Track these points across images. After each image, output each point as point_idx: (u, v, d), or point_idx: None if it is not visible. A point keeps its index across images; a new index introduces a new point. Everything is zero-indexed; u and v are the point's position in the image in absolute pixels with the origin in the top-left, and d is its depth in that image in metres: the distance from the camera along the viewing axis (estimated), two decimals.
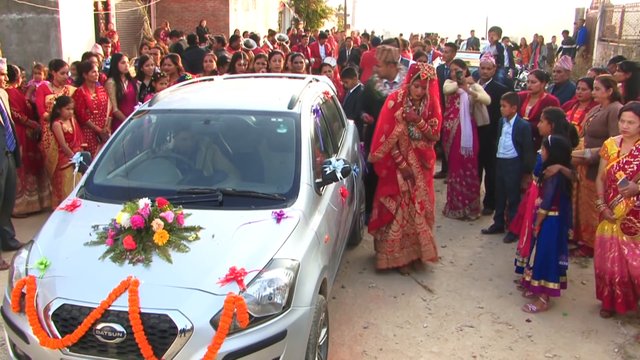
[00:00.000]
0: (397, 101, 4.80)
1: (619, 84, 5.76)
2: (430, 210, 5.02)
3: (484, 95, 6.15)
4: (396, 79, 5.81)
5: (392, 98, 4.85)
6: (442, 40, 22.83)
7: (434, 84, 4.77)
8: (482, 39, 20.69)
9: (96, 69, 6.49)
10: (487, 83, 6.40)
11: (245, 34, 14.92)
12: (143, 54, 8.67)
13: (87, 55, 7.86)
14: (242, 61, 7.10)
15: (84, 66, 6.57)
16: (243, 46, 10.70)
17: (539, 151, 4.59)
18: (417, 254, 5.04)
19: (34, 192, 6.40)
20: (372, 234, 5.25)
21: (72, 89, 6.38)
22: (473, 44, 18.50)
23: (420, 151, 4.88)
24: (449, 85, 6.37)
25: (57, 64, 6.42)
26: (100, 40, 9.63)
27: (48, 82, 6.37)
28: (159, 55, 8.59)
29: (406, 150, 4.84)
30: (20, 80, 6.60)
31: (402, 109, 4.75)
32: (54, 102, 5.97)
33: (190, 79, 6.04)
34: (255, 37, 13.10)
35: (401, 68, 5.89)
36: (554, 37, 20.12)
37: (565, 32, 19.22)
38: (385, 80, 5.87)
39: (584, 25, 18.51)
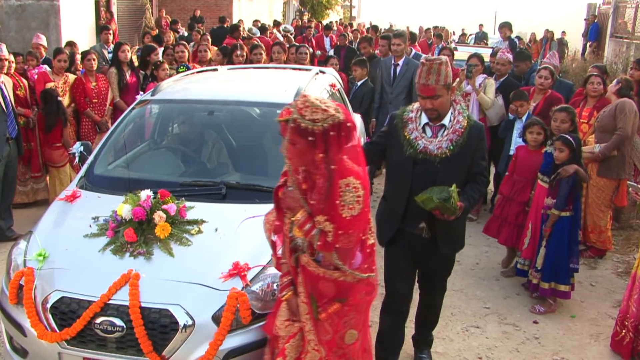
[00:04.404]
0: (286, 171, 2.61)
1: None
2: None
3: (483, 97, 5.94)
4: (444, 121, 3.09)
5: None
6: (451, 34, 22.58)
7: (331, 136, 2.29)
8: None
9: (95, 57, 6.37)
10: (502, 79, 6.27)
11: (255, 22, 14.77)
12: (146, 44, 8.54)
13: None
14: (239, 52, 6.98)
15: (82, 54, 6.48)
16: (247, 33, 10.61)
17: (547, 149, 4.49)
18: None
19: (28, 182, 6.22)
20: None
21: (72, 77, 6.30)
22: (481, 39, 18.35)
23: (313, 278, 2.47)
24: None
25: (55, 52, 6.35)
26: (102, 28, 9.48)
27: (49, 70, 6.27)
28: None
29: (293, 269, 2.59)
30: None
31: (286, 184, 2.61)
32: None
33: (184, 71, 5.94)
34: (264, 28, 12.92)
35: (458, 101, 3.16)
36: (563, 32, 19.84)
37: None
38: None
39: (595, 21, 18.23)
